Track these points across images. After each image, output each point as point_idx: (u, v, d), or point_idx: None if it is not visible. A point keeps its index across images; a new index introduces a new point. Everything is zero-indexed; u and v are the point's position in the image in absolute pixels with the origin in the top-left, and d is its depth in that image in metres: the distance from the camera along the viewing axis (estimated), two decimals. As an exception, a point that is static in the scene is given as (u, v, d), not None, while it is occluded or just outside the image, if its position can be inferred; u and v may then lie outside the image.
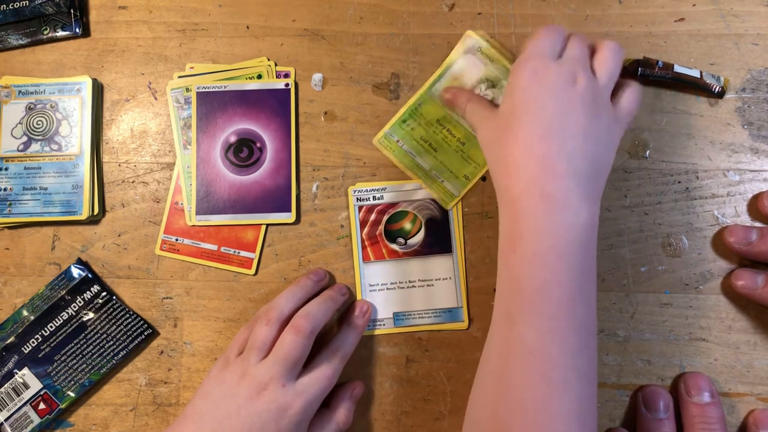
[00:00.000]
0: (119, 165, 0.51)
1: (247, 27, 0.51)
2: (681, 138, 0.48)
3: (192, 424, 0.41)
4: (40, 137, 0.50)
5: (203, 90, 0.50)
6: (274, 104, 0.50)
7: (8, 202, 0.50)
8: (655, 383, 0.47)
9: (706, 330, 0.47)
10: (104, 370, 0.48)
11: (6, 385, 0.48)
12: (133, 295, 0.50)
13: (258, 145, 0.50)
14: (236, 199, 0.49)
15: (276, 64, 0.50)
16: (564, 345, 0.37)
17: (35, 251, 0.50)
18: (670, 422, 0.45)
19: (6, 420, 0.48)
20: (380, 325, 0.48)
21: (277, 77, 0.50)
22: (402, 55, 0.50)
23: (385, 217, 0.49)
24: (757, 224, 0.47)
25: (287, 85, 0.50)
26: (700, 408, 0.44)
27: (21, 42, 0.51)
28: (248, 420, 0.41)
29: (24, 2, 0.51)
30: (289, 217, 0.49)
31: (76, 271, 0.49)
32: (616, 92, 0.43)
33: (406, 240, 0.49)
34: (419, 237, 0.49)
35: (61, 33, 0.51)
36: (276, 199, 0.49)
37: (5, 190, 0.50)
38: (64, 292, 0.49)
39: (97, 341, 0.48)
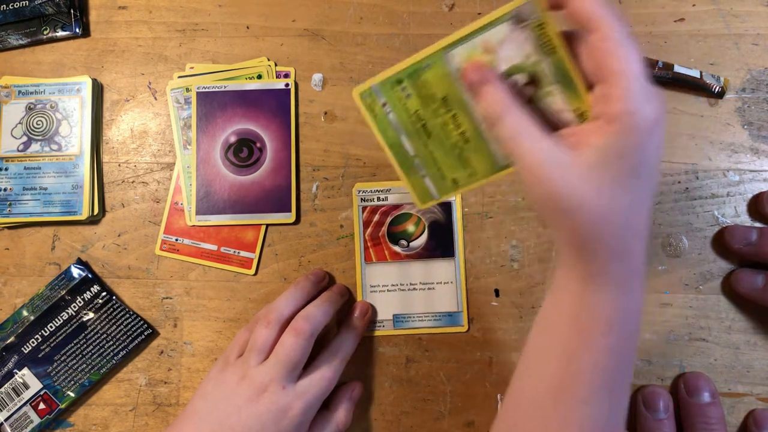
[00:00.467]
0: (119, 165, 0.51)
1: (247, 27, 0.51)
2: (681, 138, 0.48)
3: (191, 424, 0.41)
4: (40, 137, 0.50)
5: (203, 90, 0.50)
6: (274, 104, 0.50)
7: (8, 202, 0.50)
8: (655, 383, 0.47)
9: (706, 330, 0.47)
10: (104, 370, 0.48)
11: (6, 385, 0.48)
12: (133, 295, 0.50)
13: (258, 145, 0.50)
14: (236, 199, 0.49)
15: (276, 64, 0.50)
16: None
17: (35, 251, 0.50)
18: (670, 422, 0.45)
19: (6, 420, 0.48)
20: (380, 326, 0.48)
21: (277, 77, 0.50)
22: (402, 55, 0.50)
23: (389, 219, 0.49)
24: (757, 224, 0.47)
25: (287, 85, 0.50)
26: (700, 408, 0.44)
27: (21, 42, 0.51)
28: (248, 421, 0.41)
29: (24, 2, 0.51)
30: (289, 217, 0.49)
31: (76, 271, 0.49)
32: None
33: (408, 242, 0.49)
34: (422, 240, 0.49)
35: (61, 33, 0.51)
36: (276, 199, 0.49)
37: (5, 190, 0.50)
38: (64, 292, 0.49)
39: (97, 341, 0.48)
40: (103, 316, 0.49)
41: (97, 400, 0.49)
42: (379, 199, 0.49)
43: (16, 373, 0.48)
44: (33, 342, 0.48)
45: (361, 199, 0.49)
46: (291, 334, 0.43)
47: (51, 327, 0.48)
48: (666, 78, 0.48)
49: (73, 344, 0.48)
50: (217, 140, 0.50)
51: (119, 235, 0.50)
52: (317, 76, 0.50)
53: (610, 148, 0.29)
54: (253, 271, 0.49)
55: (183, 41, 0.51)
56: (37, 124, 0.50)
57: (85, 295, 0.49)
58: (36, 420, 0.48)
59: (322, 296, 0.46)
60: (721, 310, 0.47)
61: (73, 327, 0.49)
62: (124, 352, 0.48)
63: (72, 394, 0.48)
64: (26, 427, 0.48)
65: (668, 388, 0.47)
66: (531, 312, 0.48)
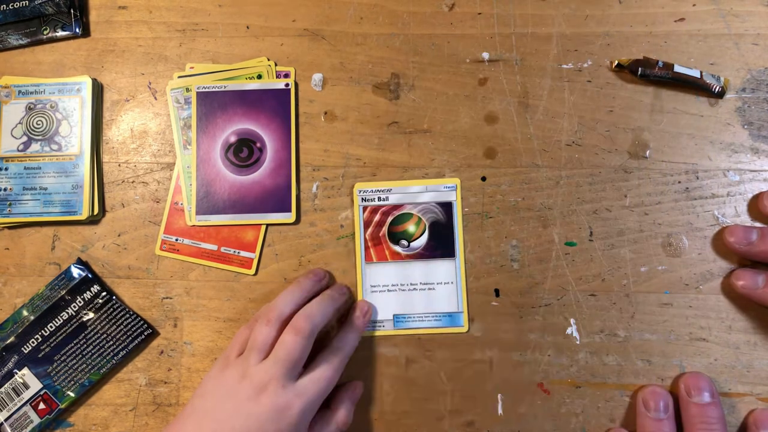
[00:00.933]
0: (119, 165, 0.51)
1: (247, 27, 0.51)
2: (681, 138, 0.48)
3: (191, 423, 0.41)
4: (40, 137, 0.50)
5: (203, 90, 0.50)
6: (274, 104, 0.50)
7: (8, 202, 0.50)
8: (655, 383, 0.47)
9: (706, 330, 0.47)
10: (104, 370, 0.48)
11: (6, 385, 0.48)
12: (133, 295, 0.50)
13: (258, 145, 0.50)
14: (236, 199, 0.49)
15: (276, 64, 0.50)
16: None
17: (35, 251, 0.50)
18: (670, 422, 0.45)
19: (6, 420, 0.48)
20: (380, 326, 0.48)
21: (277, 77, 0.50)
22: (402, 55, 0.50)
23: (390, 219, 0.49)
24: (757, 224, 0.47)
25: (287, 85, 0.50)
26: (700, 408, 0.44)
27: (21, 42, 0.51)
28: (248, 420, 0.41)
29: (24, 2, 0.51)
30: (289, 217, 0.49)
31: (76, 271, 0.49)
32: None
33: (409, 242, 0.49)
34: (423, 240, 0.49)
35: (61, 33, 0.51)
36: (276, 199, 0.49)
37: (5, 190, 0.50)
38: (64, 292, 0.49)
39: (97, 341, 0.48)
40: (103, 316, 0.49)
41: (97, 400, 0.49)
42: (379, 199, 0.49)
43: (16, 373, 0.48)
44: (33, 342, 0.48)
45: (362, 199, 0.49)
46: (291, 332, 0.43)
47: (51, 327, 0.48)
48: (666, 78, 0.48)
49: (73, 344, 0.48)
50: (217, 140, 0.50)
51: (119, 235, 0.50)
52: (317, 76, 0.50)
53: None
54: (253, 271, 0.49)
55: (183, 41, 0.51)
56: (37, 124, 0.50)
57: (85, 295, 0.49)
58: (36, 420, 0.48)
59: (322, 295, 0.46)
60: (721, 310, 0.47)
61: (73, 327, 0.49)
62: (124, 352, 0.48)
63: (72, 394, 0.48)
64: (26, 427, 0.48)
65: (668, 388, 0.47)
66: (531, 312, 0.48)
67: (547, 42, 0.50)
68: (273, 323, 0.44)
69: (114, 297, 0.49)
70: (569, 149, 0.49)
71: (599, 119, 0.49)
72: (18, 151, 0.50)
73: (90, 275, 0.49)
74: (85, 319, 0.49)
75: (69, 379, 0.48)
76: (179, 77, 0.51)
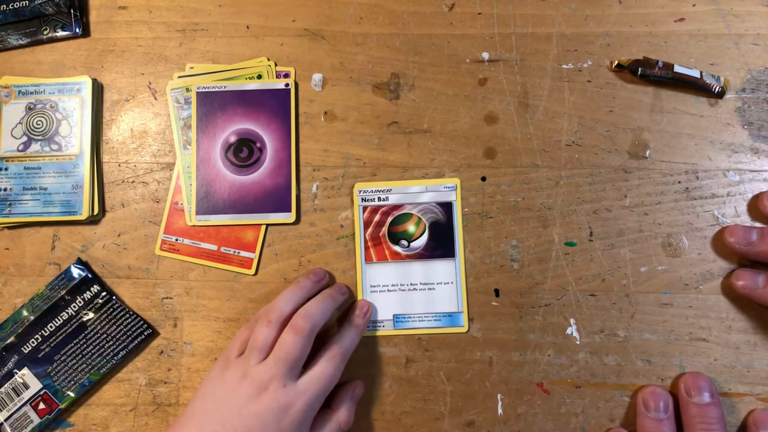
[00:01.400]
0: (119, 165, 0.51)
1: (247, 27, 0.51)
2: (681, 138, 0.48)
3: (193, 425, 0.41)
4: (40, 137, 0.50)
5: (203, 90, 0.50)
6: (274, 104, 0.50)
7: (8, 202, 0.50)
8: (655, 383, 0.47)
9: (706, 330, 0.47)
10: (104, 370, 0.48)
11: (6, 385, 0.48)
12: (133, 295, 0.50)
13: (258, 145, 0.50)
14: (236, 199, 0.49)
15: (276, 64, 0.50)
16: None
17: (35, 251, 0.50)
18: (670, 422, 0.45)
19: (6, 420, 0.48)
20: (380, 326, 0.48)
21: (277, 77, 0.50)
22: (402, 55, 0.50)
23: (390, 219, 0.49)
24: (757, 224, 0.47)
25: (287, 85, 0.50)
26: (700, 408, 0.44)
27: (21, 42, 0.51)
28: (249, 420, 0.41)
29: (24, 2, 0.51)
30: (289, 217, 0.49)
31: (76, 271, 0.49)
32: None
33: (409, 242, 0.49)
34: (422, 240, 0.49)
35: (61, 33, 0.51)
36: (276, 199, 0.49)
37: (5, 190, 0.50)
38: (64, 292, 0.49)
39: (97, 341, 0.48)
40: (103, 316, 0.49)
41: (97, 400, 0.49)
42: (379, 199, 0.49)
43: (16, 373, 0.48)
44: (33, 342, 0.48)
45: (362, 199, 0.49)
46: (291, 332, 0.43)
47: (51, 327, 0.48)
48: (666, 78, 0.48)
49: (73, 344, 0.48)
50: (217, 140, 0.50)
51: (119, 235, 0.50)
52: (317, 76, 0.50)
53: None
54: (253, 271, 0.49)
55: (183, 41, 0.51)
56: (37, 124, 0.50)
57: (85, 295, 0.49)
58: (36, 420, 0.48)
59: (322, 294, 0.46)
60: (721, 310, 0.47)
61: (73, 327, 0.49)
62: (124, 352, 0.48)
63: (72, 394, 0.48)
64: (26, 427, 0.48)
65: (668, 388, 0.47)
66: (531, 312, 0.48)
67: (547, 42, 0.50)
68: (273, 323, 0.44)
69: (114, 297, 0.49)
70: (569, 149, 0.49)
71: (599, 119, 0.49)
72: (18, 151, 0.50)
73: (90, 275, 0.49)
74: (85, 319, 0.49)
75: (69, 379, 0.48)
76: (179, 77, 0.51)
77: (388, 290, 0.49)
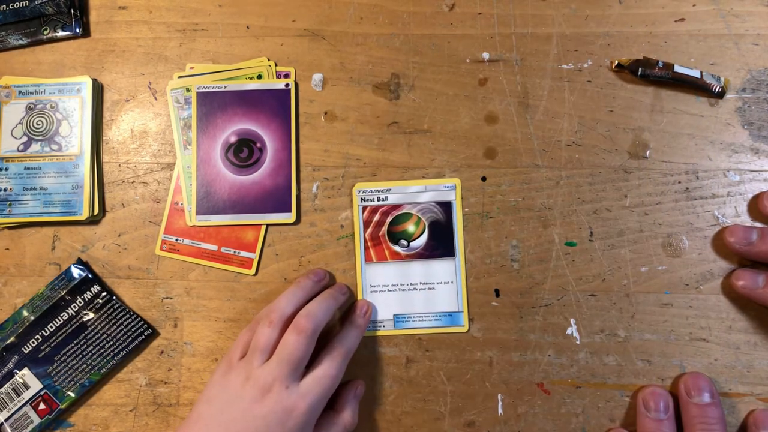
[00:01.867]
0: (119, 165, 0.51)
1: (247, 27, 0.51)
2: (681, 138, 0.48)
3: (197, 429, 0.41)
4: (40, 137, 0.50)
5: (203, 90, 0.50)
6: (274, 104, 0.50)
7: (8, 203, 0.50)
8: (655, 383, 0.47)
9: (707, 330, 0.47)
10: (104, 370, 0.48)
11: (6, 385, 0.48)
12: (133, 296, 0.50)
13: (258, 145, 0.50)
14: (236, 199, 0.49)
15: (276, 64, 0.50)
16: None
17: (35, 251, 0.50)
18: (670, 422, 0.45)
19: (6, 420, 0.48)
20: (380, 326, 0.48)
21: (277, 77, 0.50)
22: (402, 55, 0.50)
23: (389, 219, 0.49)
24: (757, 224, 0.47)
25: (287, 85, 0.50)
26: (700, 408, 0.44)
27: (21, 42, 0.51)
28: (254, 423, 0.40)
29: (24, 2, 0.51)
30: (289, 217, 0.49)
31: (76, 272, 0.49)
32: None
33: (409, 242, 0.49)
34: (422, 240, 0.49)
35: (61, 33, 0.51)
36: (276, 199, 0.49)
37: (5, 190, 0.50)
38: (64, 292, 0.49)
39: (97, 341, 0.48)
40: (103, 316, 0.49)
41: (97, 400, 0.49)
42: (379, 199, 0.49)
43: (16, 373, 0.48)
44: (33, 342, 0.48)
45: (362, 199, 0.49)
46: (293, 332, 0.43)
47: (51, 327, 0.48)
48: (666, 78, 0.48)
49: (73, 344, 0.48)
50: (217, 140, 0.50)
51: (119, 235, 0.50)
52: (317, 76, 0.50)
53: None
54: (253, 271, 0.49)
55: (183, 41, 0.51)
56: (37, 124, 0.50)
57: (85, 295, 0.49)
58: (36, 420, 0.48)
59: (323, 294, 0.46)
60: (721, 310, 0.47)
61: (73, 327, 0.49)
62: (124, 352, 0.48)
63: (72, 394, 0.48)
64: (26, 427, 0.48)
65: (668, 388, 0.47)
66: (531, 312, 0.48)
67: (547, 42, 0.50)
68: (275, 324, 0.43)
69: (114, 297, 0.49)
70: (569, 149, 0.49)
71: (599, 119, 0.49)
72: (18, 151, 0.50)
73: (90, 275, 0.49)
74: (85, 319, 0.49)
75: (69, 379, 0.48)
76: (179, 77, 0.51)
77: (388, 290, 0.49)
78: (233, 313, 0.49)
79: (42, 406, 0.48)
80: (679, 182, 0.48)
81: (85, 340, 0.48)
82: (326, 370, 0.43)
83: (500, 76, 0.50)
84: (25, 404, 0.48)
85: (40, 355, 0.48)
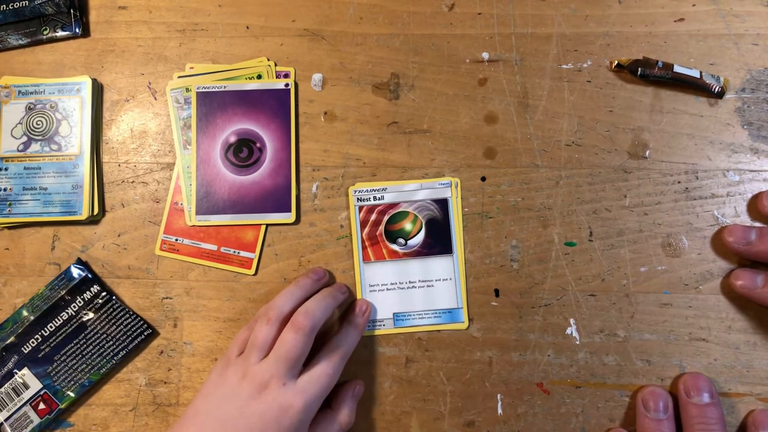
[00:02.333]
0: (119, 165, 0.51)
1: (247, 27, 0.51)
2: (680, 138, 0.48)
3: (194, 426, 0.41)
4: (40, 137, 0.50)
5: (203, 90, 0.50)
6: (274, 104, 0.50)
7: (8, 202, 0.50)
8: (655, 383, 0.47)
9: (706, 330, 0.47)
10: (104, 370, 0.48)
11: (6, 385, 0.48)
12: (133, 295, 0.50)
13: (258, 145, 0.50)
14: (236, 199, 0.49)
15: (276, 64, 0.50)
16: None
17: (35, 251, 0.50)
18: (669, 422, 0.45)
19: (6, 420, 0.48)
20: (380, 325, 0.49)
21: (277, 77, 0.50)
22: (402, 55, 0.50)
23: (386, 218, 0.49)
24: (757, 224, 0.47)
25: (287, 85, 0.50)
26: (699, 408, 0.44)
27: (21, 42, 0.51)
28: (250, 420, 0.41)
29: (24, 2, 0.51)
30: (289, 217, 0.49)
31: (76, 271, 0.49)
32: None
33: (406, 240, 0.49)
34: (419, 238, 0.49)
35: (61, 33, 0.51)
36: (276, 199, 0.49)
37: (5, 190, 0.50)
38: (64, 292, 0.49)
39: (97, 341, 0.48)
40: (103, 316, 0.49)
41: (97, 400, 0.49)
42: (375, 198, 0.49)
43: (16, 373, 0.48)
44: (33, 342, 0.48)
45: (358, 198, 0.49)
46: (291, 330, 0.43)
47: (51, 327, 0.48)
48: (666, 78, 0.48)
49: (73, 344, 0.48)
50: (217, 140, 0.50)
51: (119, 235, 0.50)
52: (317, 76, 0.50)
53: None
54: (253, 271, 0.49)
55: (183, 41, 0.51)
56: (37, 124, 0.50)
57: (85, 295, 0.49)
58: (36, 420, 0.48)
59: (322, 292, 0.46)
60: (721, 310, 0.47)
61: (73, 327, 0.49)
62: (124, 352, 0.48)
63: (72, 394, 0.48)
64: (26, 427, 0.48)
65: (668, 388, 0.47)
66: (531, 312, 0.48)
67: (546, 42, 0.50)
68: (273, 322, 0.44)
69: (114, 297, 0.49)
70: (569, 149, 0.49)
71: (599, 119, 0.49)
72: (18, 151, 0.50)
73: (90, 275, 0.49)
74: (85, 319, 0.49)
75: (69, 379, 0.48)
76: (179, 77, 0.51)
77: (387, 289, 0.49)
78: (233, 312, 0.49)
79: (42, 406, 0.48)
80: (679, 182, 0.48)
81: (84, 340, 0.48)
82: (324, 369, 0.43)
83: (500, 76, 0.50)
84: (24, 404, 0.48)
85: (39, 355, 0.48)
